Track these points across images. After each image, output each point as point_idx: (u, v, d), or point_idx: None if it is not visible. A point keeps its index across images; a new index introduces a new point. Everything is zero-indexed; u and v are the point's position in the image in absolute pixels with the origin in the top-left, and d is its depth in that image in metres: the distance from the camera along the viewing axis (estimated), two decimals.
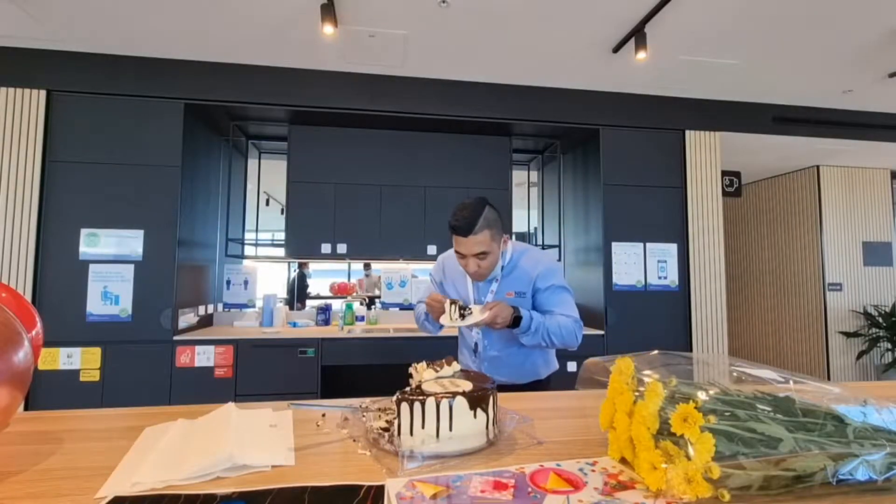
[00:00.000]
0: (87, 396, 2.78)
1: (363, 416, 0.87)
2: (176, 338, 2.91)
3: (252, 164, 3.94)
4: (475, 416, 0.75)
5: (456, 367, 0.90)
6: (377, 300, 3.90)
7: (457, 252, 1.51)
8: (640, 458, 0.63)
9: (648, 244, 3.52)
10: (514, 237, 4.13)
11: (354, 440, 0.79)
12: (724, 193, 4.52)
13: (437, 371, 0.87)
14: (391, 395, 0.82)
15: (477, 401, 0.75)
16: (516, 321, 1.43)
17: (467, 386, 0.79)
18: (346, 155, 3.46)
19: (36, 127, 2.87)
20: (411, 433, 0.73)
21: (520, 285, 1.57)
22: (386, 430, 0.79)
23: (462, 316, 1.39)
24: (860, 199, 4.72)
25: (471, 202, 1.47)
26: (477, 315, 1.39)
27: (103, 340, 2.84)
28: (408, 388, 0.80)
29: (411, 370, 0.91)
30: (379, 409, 0.90)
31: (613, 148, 3.53)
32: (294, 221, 3.39)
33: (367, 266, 4.67)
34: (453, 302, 1.41)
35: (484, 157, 3.61)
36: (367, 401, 0.96)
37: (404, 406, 0.74)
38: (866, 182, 4.75)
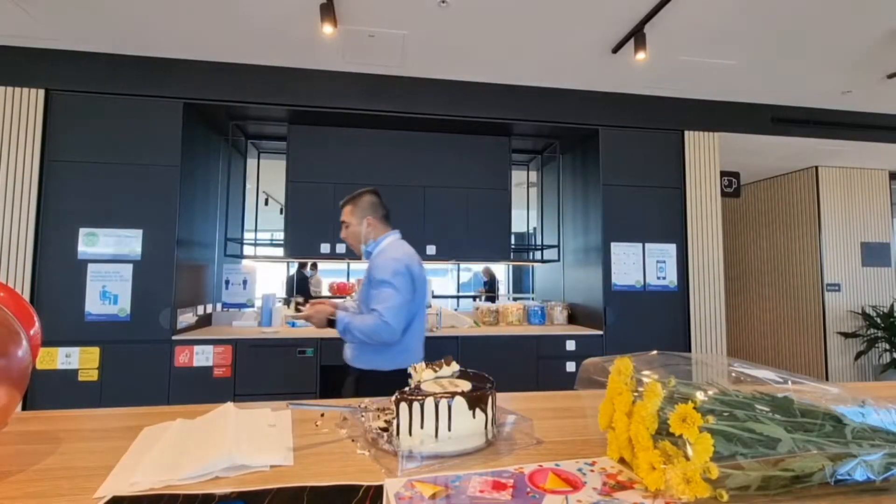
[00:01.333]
0: (86, 396, 2.77)
1: (362, 416, 0.87)
2: (174, 337, 2.90)
3: (251, 163, 3.94)
4: (474, 416, 0.75)
5: (455, 367, 0.90)
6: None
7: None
8: (639, 459, 0.63)
9: (647, 244, 3.52)
10: (512, 238, 4.09)
11: (353, 440, 0.79)
12: (723, 194, 4.53)
13: (435, 371, 0.87)
14: (390, 395, 0.82)
15: (476, 401, 0.75)
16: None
17: (466, 386, 0.79)
18: (346, 155, 3.46)
19: (34, 126, 2.87)
20: (410, 433, 0.73)
21: (367, 274, 1.77)
22: (385, 430, 0.79)
23: (297, 311, 1.66)
24: (859, 200, 4.73)
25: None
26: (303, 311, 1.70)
27: (102, 340, 2.84)
28: (407, 388, 0.80)
29: (410, 370, 0.91)
30: (378, 409, 0.90)
31: (613, 148, 3.54)
32: (293, 221, 3.38)
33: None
34: (295, 297, 1.70)
35: (483, 158, 3.61)
36: (365, 401, 0.96)
37: (403, 406, 0.74)
38: (865, 183, 4.76)
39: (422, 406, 0.73)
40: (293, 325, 3.46)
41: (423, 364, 0.89)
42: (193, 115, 3.19)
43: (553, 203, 4.21)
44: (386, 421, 0.83)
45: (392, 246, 1.79)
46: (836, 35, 2.75)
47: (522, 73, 3.29)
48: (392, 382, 1.66)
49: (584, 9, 2.51)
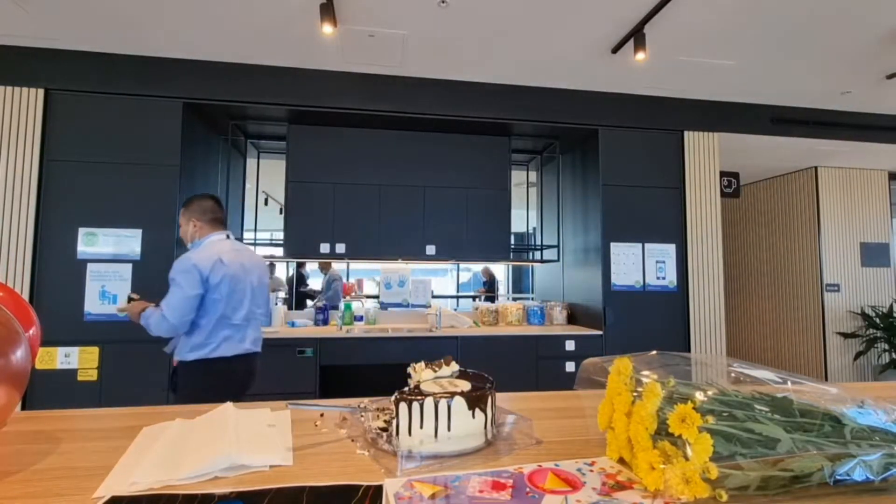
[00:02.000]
0: (85, 396, 2.77)
1: (361, 416, 0.87)
2: None
3: (251, 163, 3.94)
4: (473, 416, 0.75)
5: (454, 367, 0.90)
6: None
7: None
8: (639, 459, 0.63)
9: (647, 244, 3.53)
10: (512, 238, 4.09)
11: (353, 440, 0.79)
12: (723, 194, 4.53)
13: (435, 371, 0.87)
14: (390, 395, 0.82)
15: (475, 401, 0.75)
16: None
17: (466, 386, 0.79)
18: (345, 155, 3.46)
19: (34, 126, 2.86)
20: (410, 433, 0.73)
21: None
22: (384, 429, 0.79)
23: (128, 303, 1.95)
24: (858, 201, 4.73)
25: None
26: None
27: (101, 340, 2.83)
28: (406, 388, 0.80)
29: (410, 370, 0.91)
30: (377, 409, 0.90)
31: (612, 148, 3.54)
32: (293, 221, 3.38)
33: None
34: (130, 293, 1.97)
35: (483, 158, 3.61)
36: (365, 401, 0.96)
37: (403, 406, 0.74)
38: (864, 183, 4.76)
39: (421, 406, 0.73)
40: (293, 324, 3.46)
41: (423, 364, 0.89)
42: (193, 114, 3.19)
43: (553, 203, 4.21)
44: (385, 421, 0.83)
45: (204, 246, 1.93)
46: (836, 35, 2.75)
47: (522, 73, 3.29)
48: (192, 370, 1.87)
49: (583, 9, 2.51)
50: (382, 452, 0.73)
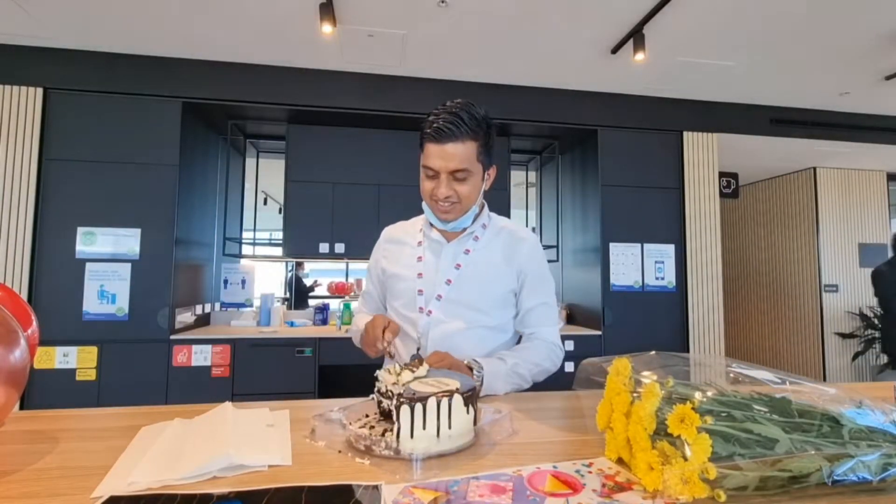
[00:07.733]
0: (83, 395, 2.77)
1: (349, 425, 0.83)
2: (173, 337, 2.90)
3: (250, 162, 3.93)
4: (468, 412, 0.76)
5: (426, 366, 0.89)
6: None
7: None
8: (637, 459, 0.63)
9: (646, 245, 3.53)
10: None
11: (353, 442, 0.78)
12: (722, 195, 4.54)
13: (413, 372, 0.86)
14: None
15: (470, 397, 0.77)
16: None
17: (455, 383, 0.79)
18: (345, 154, 3.45)
19: (32, 125, 2.86)
20: (412, 436, 0.73)
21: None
22: (382, 434, 0.78)
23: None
24: (856, 201, 4.74)
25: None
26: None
27: (100, 339, 2.83)
28: (379, 390, 0.81)
29: (383, 373, 0.86)
30: (361, 417, 0.86)
31: (611, 149, 3.54)
32: (292, 221, 3.38)
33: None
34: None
35: None
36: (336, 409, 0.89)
37: (404, 409, 0.73)
38: (863, 184, 4.77)
39: (424, 407, 0.73)
40: (292, 324, 3.46)
41: (397, 366, 0.88)
42: (192, 114, 3.18)
43: (552, 203, 4.21)
44: (371, 427, 0.81)
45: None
46: (835, 36, 2.75)
47: (522, 73, 3.29)
48: None
49: (583, 9, 2.51)
50: (381, 458, 0.72)
